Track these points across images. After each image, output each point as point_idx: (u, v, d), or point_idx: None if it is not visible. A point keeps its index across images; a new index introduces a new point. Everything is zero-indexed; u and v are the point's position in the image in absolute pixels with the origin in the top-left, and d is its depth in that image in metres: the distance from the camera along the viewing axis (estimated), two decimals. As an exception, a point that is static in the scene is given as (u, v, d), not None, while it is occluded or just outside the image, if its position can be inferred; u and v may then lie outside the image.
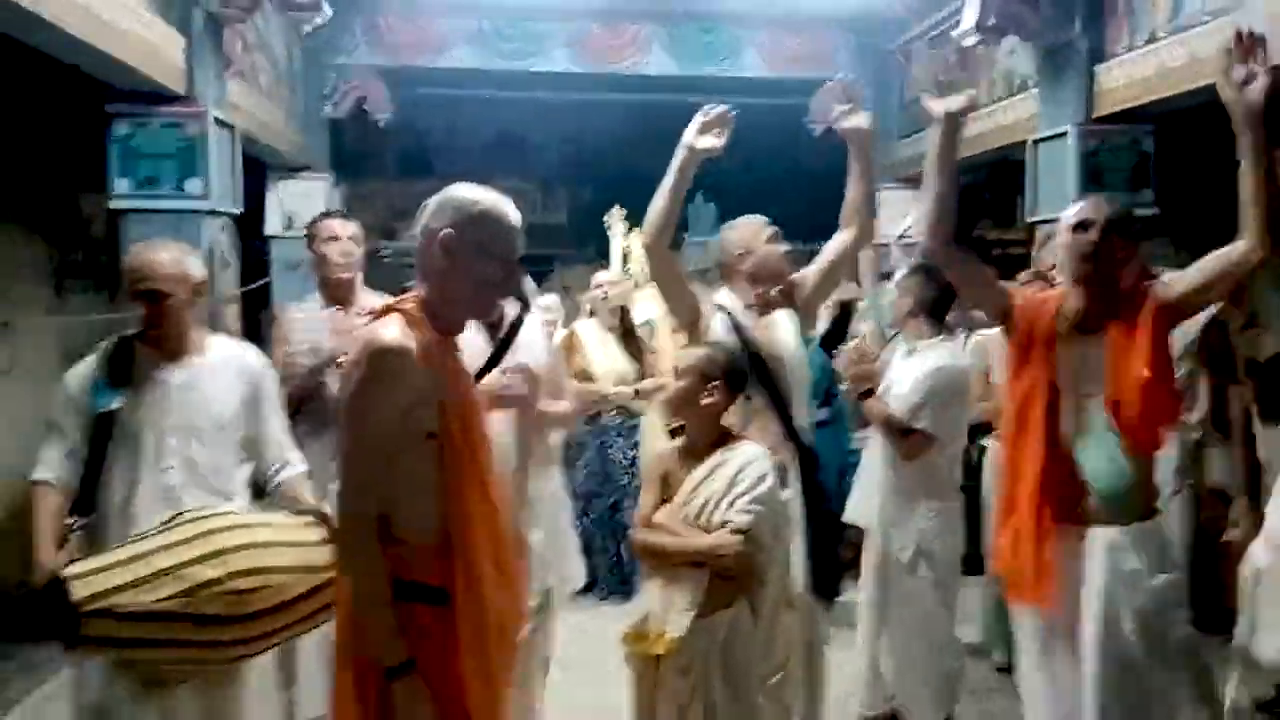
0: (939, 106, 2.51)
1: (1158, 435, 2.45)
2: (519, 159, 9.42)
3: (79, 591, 2.03)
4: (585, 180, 10.01)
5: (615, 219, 6.76)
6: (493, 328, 2.79)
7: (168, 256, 2.39)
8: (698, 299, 2.82)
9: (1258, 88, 2.22)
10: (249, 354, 2.60)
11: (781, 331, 2.79)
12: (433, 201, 1.88)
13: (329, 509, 2.27)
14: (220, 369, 2.47)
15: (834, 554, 2.78)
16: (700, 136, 2.57)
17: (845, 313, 4.56)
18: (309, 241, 3.32)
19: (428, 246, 1.84)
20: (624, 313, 5.06)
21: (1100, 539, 2.40)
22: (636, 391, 4.93)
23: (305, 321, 3.24)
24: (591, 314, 5.14)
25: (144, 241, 2.50)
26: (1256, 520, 2.87)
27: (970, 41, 4.87)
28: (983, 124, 5.47)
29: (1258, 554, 2.57)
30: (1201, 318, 3.18)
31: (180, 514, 2.24)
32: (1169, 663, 2.40)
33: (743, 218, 2.91)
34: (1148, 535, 2.43)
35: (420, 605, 1.78)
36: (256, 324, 5.94)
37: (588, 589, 4.41)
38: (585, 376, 4.78)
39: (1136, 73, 4.18)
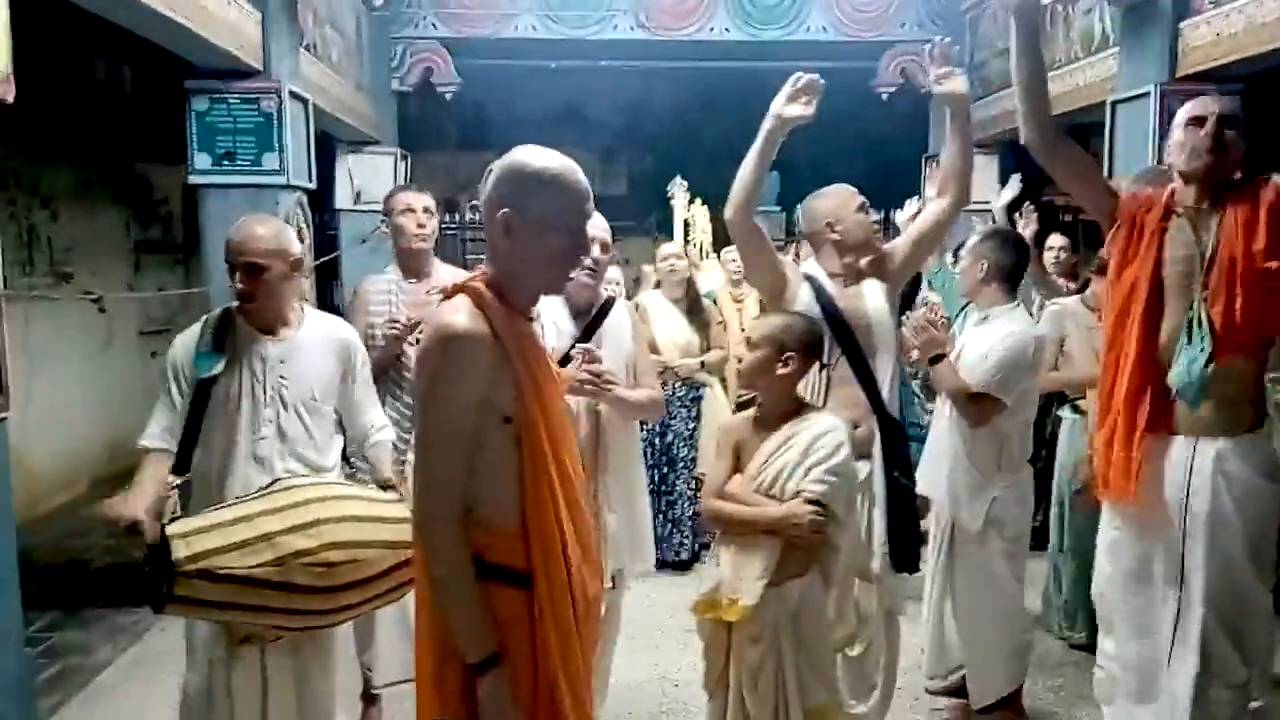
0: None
1: (1264, 332, 2.37)
2: (580, 129, 9.38)
3: (180, 551, 2.05)
4: (646, 149, 9.95)
5: (677, 189, 6.73)
6: (582, 314, 2.78)
7: (267, 231, 2.41)
8: (784, 269, 2.77)
9: None
10: (342, 328, 2.63)
11: (869, 301, 2.74)
12: (494, 169, 1.75)
13: (408, 477, 2.26)
14: (314, 343, 2.50)
15: (915, 526, 2.74)
16: (789, 105, 2.53)
17: (915, 281, 4.49)
18: (385, 214, 3.39)
19: (490, 220, 1.73)
20: (690, 284, 5.05)
21: (1207, 447, 2.37)
22: (702, 363, 4.93)
23: (383, 293, 3.30)
24: (656, 285, 5.14)
25: (247, 216, 2.52)
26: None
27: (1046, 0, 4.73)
28: (1058, 85, 5.31)
29: None
30: None
31: (277, 481, 2.29)
32: (1269, 578, 2.36)
33: (832, 186, 2.85)
34: (1255, 446, 2.38)
35: (503, 587, 1.72)
36: (326, 295, 6.07)
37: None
38: (650, 348, 4.77)
39: (1224, 29, 4.01)
